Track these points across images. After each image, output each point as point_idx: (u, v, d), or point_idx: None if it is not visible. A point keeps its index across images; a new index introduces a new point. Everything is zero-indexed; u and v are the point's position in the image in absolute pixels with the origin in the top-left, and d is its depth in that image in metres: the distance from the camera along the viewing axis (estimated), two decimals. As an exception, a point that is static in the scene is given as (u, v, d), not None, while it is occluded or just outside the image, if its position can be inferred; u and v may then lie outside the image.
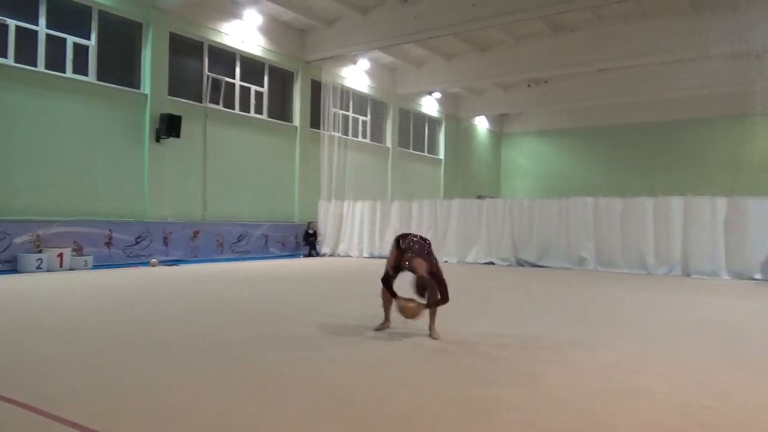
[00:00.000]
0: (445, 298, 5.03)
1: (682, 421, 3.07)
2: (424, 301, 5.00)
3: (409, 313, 4.92)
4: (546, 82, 22.65)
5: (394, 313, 5.26)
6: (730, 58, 14.68)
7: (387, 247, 16.79)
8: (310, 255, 17.29)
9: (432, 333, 5.19)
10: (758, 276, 11.91)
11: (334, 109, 19.06)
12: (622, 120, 24.18)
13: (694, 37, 15.93)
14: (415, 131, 24.19)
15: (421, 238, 5.36)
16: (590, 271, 13.55)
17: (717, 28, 14.79)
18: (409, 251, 5.09)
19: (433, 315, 5.20)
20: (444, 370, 4.12)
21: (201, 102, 15.47)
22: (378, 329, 5.48)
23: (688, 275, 12.60)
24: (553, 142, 27.48)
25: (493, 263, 15.21)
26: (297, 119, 18.34)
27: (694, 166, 20.68)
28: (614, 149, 24.87)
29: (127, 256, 13.09)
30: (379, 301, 5.50)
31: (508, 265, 14.94)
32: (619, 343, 5.21)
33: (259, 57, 17.02)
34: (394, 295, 5.16)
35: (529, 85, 23.12)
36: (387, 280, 5.23)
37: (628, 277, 12.27)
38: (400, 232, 5.85)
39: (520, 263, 14.93)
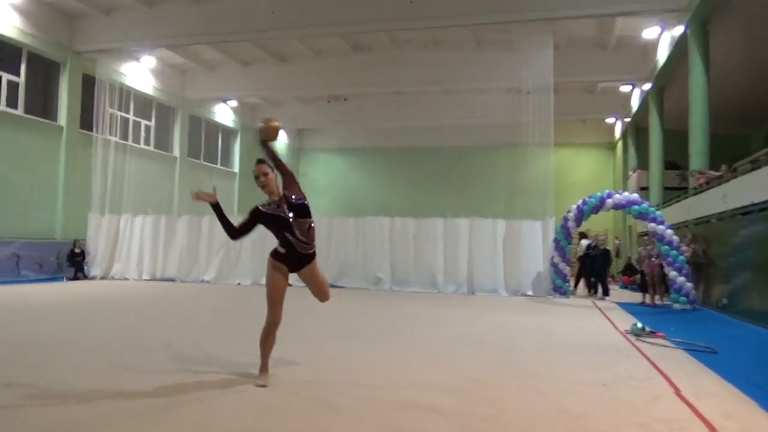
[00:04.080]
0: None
1: None
2: None
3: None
4: (345, 99, 22.80)
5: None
6: (506, 93, 16.18)
7: (172, 268, 15.14)
8: (75, 278, 14.73)
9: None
10: (530, 292, 13.06)
11: (111, 110, 16.67)
12: (417, 143, 25.42)
13: (476, 70, 17.28)
14: (207, 141, 22.53)
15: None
16: (385, 291, 13.59)
17: (496, 64, 16.18)
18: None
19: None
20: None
21: (-76, 87, 12.23)
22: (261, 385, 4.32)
23: (473, 293, 13.32)
24: (352, 161, 27.84)
25: (290, 285, 14.43)
26: (63, 118, 15.65)
27: (478, 190, 22.40)
28: (409, 170, 25.99)
29: None
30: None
31: (304, 287, 14.31)
32: (410, 359, 5.38)
33: (14, 40, 14.15)
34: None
35: (329, 101, 23.09)
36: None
37: (420, 296, 12.53)
38: None
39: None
